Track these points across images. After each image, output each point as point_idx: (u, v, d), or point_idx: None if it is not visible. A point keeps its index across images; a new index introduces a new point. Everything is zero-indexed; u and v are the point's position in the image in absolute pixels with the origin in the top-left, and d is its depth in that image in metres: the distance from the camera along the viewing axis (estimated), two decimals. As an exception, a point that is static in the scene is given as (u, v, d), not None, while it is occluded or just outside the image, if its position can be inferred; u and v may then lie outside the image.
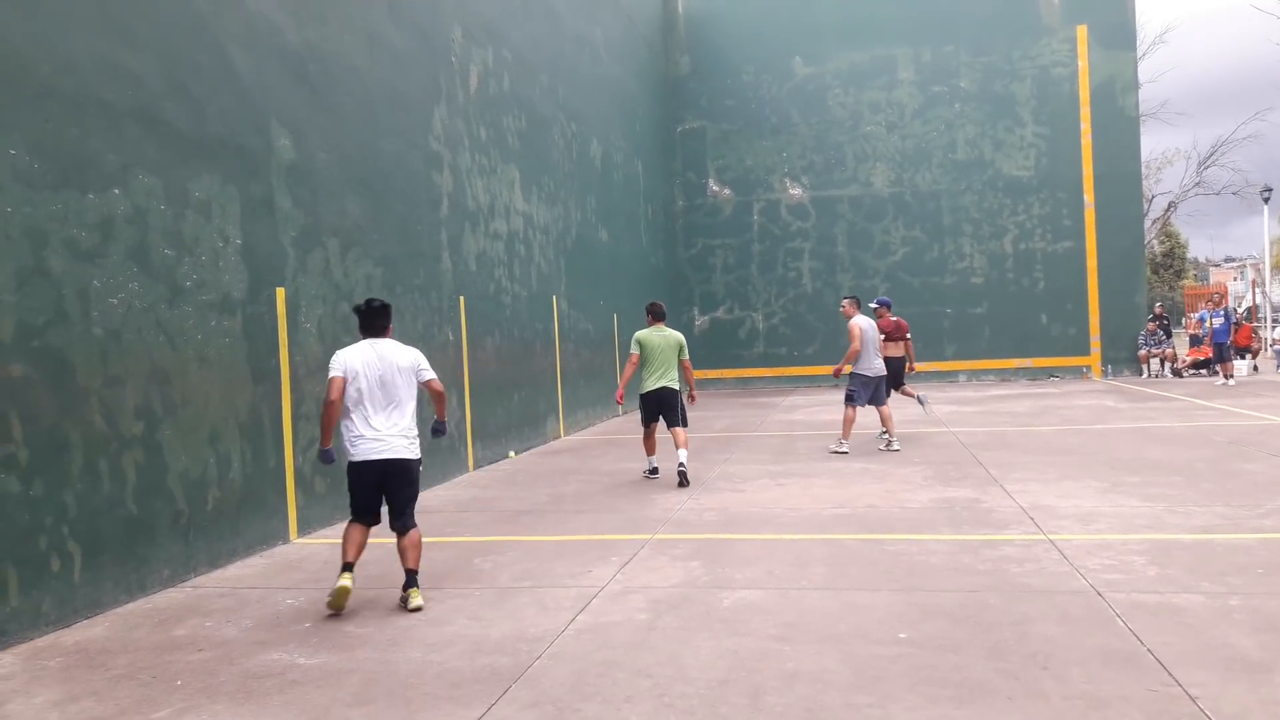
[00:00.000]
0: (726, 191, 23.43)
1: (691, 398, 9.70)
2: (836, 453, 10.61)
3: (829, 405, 17.37)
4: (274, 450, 7.10)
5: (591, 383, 15.76)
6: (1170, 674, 3.80)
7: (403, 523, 5.35)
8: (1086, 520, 6.73)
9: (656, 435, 9.68)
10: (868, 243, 22.63)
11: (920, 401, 11.96)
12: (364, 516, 5.38)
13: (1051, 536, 6.27)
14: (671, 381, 9.36)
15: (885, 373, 10.93)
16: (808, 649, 4.27)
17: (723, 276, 23.32)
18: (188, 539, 6.12)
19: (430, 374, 5.54)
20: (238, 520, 6.63)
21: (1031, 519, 6.84)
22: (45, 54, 5.25)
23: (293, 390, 7.33)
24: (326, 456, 5.43)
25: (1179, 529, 6.34)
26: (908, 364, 12.12)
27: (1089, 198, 21.76)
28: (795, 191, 23.03)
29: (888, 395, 11.15)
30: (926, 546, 6.15)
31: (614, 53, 18.32)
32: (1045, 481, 8.34)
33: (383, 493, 5.36)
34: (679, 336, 9.47)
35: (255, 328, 6.95)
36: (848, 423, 10.81)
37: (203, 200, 6.46)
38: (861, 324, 10.78)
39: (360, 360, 5.32)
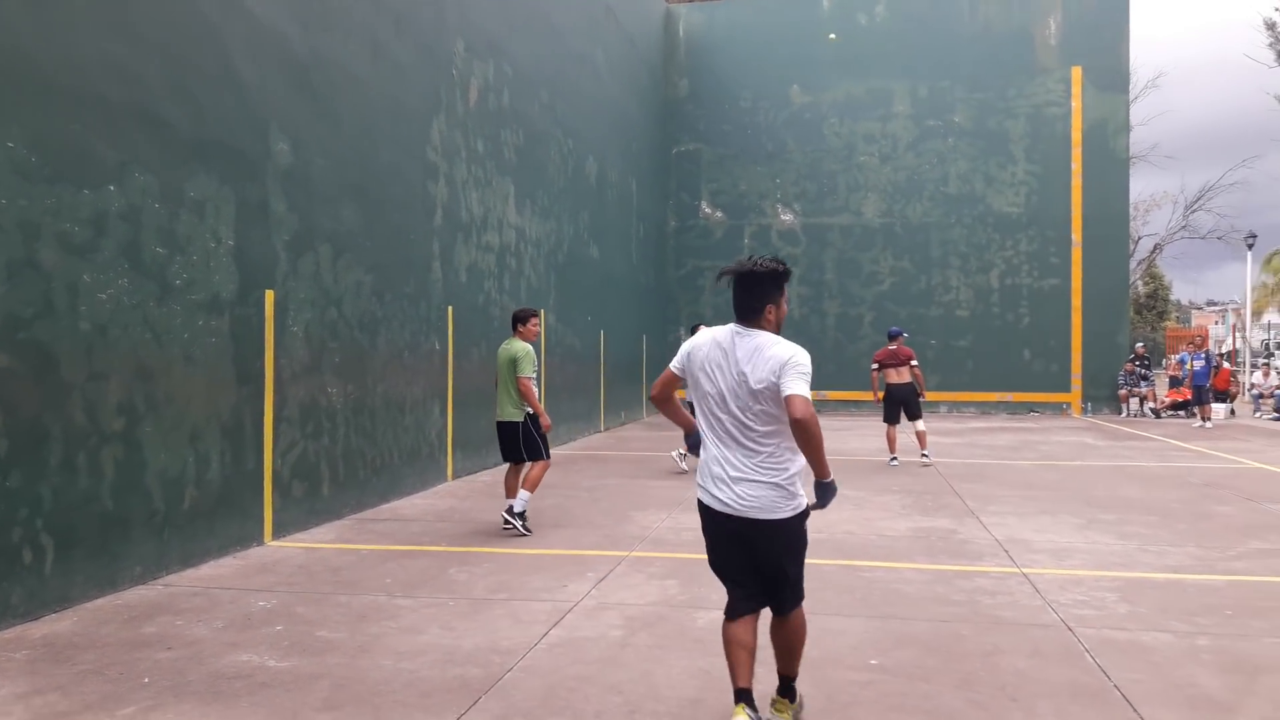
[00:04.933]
0: (719, 214, 23.59)
1: (545, 425, 7.65)
2: None
3: (811, 431, 17.41)
4: (253, 452, 7.08)
5: (576, 398, 15.77)
6: (1137, 711, 3.84)
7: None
8: (1061, 555, 6.78)
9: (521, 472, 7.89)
10: (856, 271, 22.80)
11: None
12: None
13: (1025, 570, 6.32)
14: (506, 414, 7.66)
15: None
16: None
17: (711, 298, 23.42)
18: (162, 537, 6.10)
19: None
20: (213, 520, 6.60)
21: (1006, 552, 6.89)
22: (50, 50, 5.27)
23: (276, 393, 7.33)
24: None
25: (1151, 568, 6.40)
26: (919, 391, 12.24)
27: (1076, 236, 21.99)
28: (787, 217, 23.20)
29: (905, 418, 12.12)
30: (902, 575, 6.19)
31: (614, 72, 18.46)
32: (1022, 515, 8.40)
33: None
34: (513, 349, 7.61)
35: (243, 329, 6.95)
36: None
37: (197, 200, 6.48)
38: None
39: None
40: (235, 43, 6.91)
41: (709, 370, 3.49)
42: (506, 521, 7.57)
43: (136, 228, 5.91)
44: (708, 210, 23.65)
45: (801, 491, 3.49)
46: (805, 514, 3.51)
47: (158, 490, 6.07)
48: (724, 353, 3.46)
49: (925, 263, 22.58)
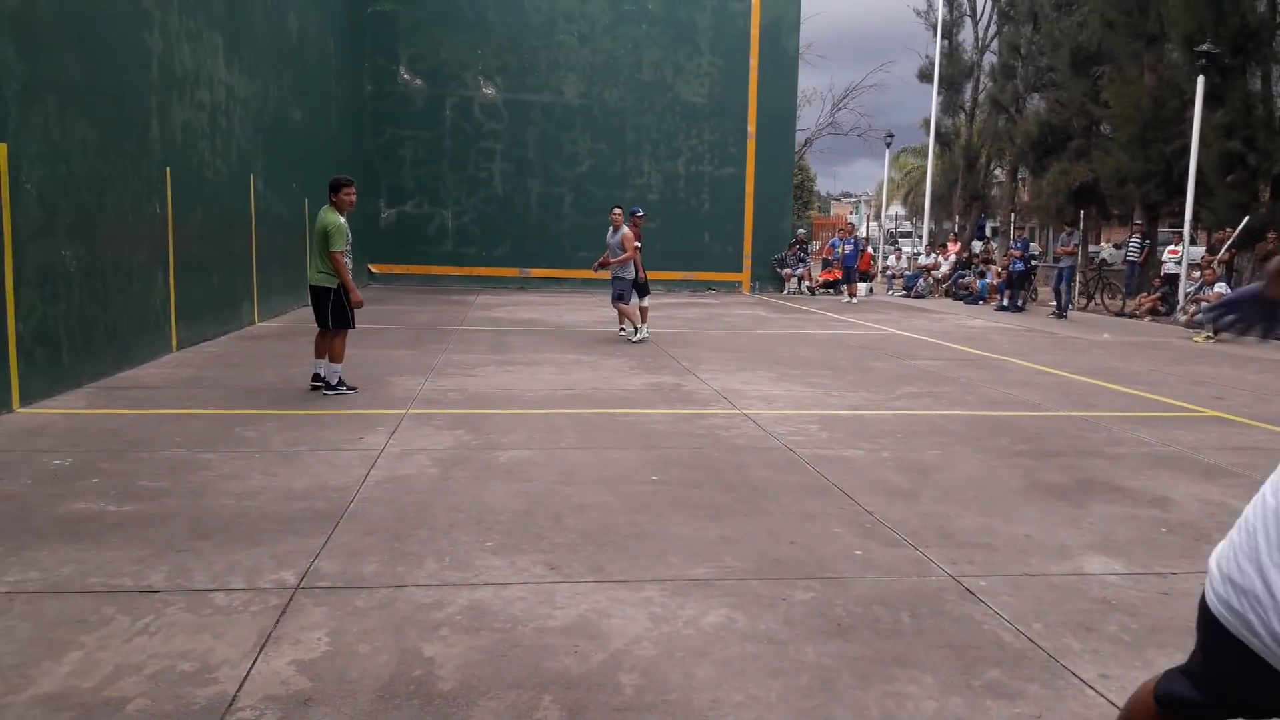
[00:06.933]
0: (418, 82, 23.14)
1: (355, 301, 8.10)
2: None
3: (522, 305, 18.30)
4: (-5, 316, 6.69)
5: (285, 269, 15.40)
6: (852, 499, 5.18)
7: None
8: (768, 400, 8.24)
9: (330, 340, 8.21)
10: (558, 151, 23.53)
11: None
12: None
13: (744, 411, 7.67)
14: (317, 279, 8.11)
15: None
16: (585, 489, 5.19)
17: (413, 170, 23.17)
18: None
19: None
20: (-38, 387, 6.27)
21: (725, 398, 8.24)
22: None
23: (16, 254, 6.89)
24: None
25: (837, 407, 8.02)
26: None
27: (751, 128, 24.19)
28: (489, 91, 23.28)
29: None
30: (650, 417, 7.30)
31: (314, -78, 17.39)
32: (729, 372, 9.87)
33: None
34: (324, 221, 7.96)
35: (-22, 183, 6.45)
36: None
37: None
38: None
39: None
40: None
41: None
42: (317, 384, 8.22)
43: None
44: (406, 76, 23.10)
45: None
46: None
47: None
48: None
49: (621, 147, 23.79)
